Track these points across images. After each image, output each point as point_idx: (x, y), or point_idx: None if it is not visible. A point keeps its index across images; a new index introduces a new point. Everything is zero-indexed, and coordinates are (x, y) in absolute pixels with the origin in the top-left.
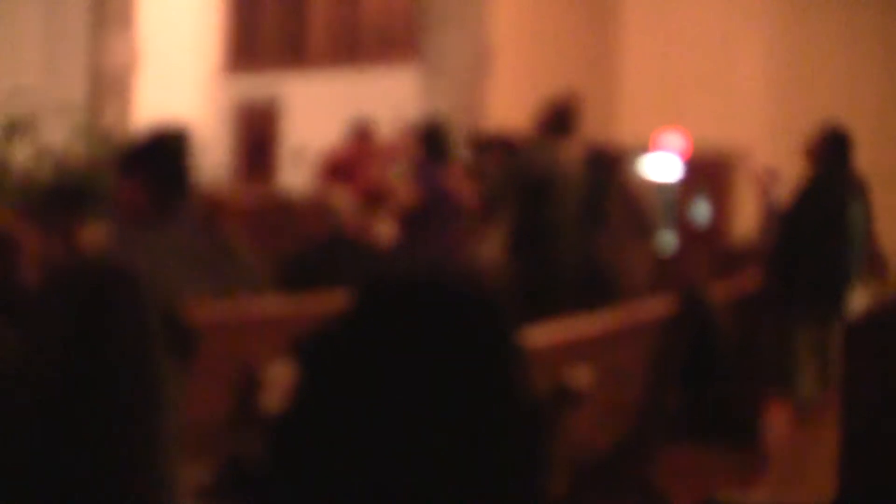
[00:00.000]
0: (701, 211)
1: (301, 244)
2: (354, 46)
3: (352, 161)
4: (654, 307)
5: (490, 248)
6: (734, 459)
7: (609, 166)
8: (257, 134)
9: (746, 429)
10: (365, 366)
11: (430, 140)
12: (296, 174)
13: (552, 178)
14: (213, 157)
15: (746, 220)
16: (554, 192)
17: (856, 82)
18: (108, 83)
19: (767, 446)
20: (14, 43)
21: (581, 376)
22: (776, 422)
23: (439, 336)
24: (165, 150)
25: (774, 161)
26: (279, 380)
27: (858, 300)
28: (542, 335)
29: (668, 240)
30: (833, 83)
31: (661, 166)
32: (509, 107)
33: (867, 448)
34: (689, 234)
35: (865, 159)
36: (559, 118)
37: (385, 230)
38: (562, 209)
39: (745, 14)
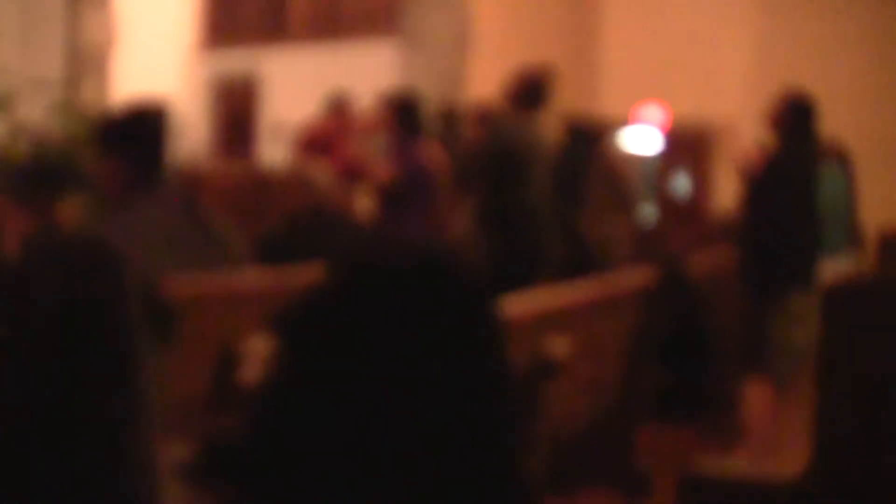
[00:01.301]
0: (681, 184)
1: (281, 219)
2: (334, 21)
3: (329, 135)
4: (634, 278)
5: (462, 223)
6: (713, 436)
7: (589, 139)
8: (236, 109)
9: (725, 405)
10: (343, 339)
11: (405, 114)
12: (275, 149)
13: (524, 152)
14: (192, 133)
15: (727, 193)
16: (526, 166)
17: (834, 58)
18: (86, 60)
19: (746, 423)
20: None
21: (559, 347)
22: (754, 398)
23: (417, 309)
24: (144, 128)
25: (754, 135)
26: (258, 353)
27: (836, 271)
28: (519, 305)
29: (648, 212)
30: (812, 57)
31: (642, 139)
32: (490, 82)
33: (841, 419)
34: (670, 208)
35: (844, 135)
36: (531, 90)
37: (364, 204)
38: (535, 183)
39: None
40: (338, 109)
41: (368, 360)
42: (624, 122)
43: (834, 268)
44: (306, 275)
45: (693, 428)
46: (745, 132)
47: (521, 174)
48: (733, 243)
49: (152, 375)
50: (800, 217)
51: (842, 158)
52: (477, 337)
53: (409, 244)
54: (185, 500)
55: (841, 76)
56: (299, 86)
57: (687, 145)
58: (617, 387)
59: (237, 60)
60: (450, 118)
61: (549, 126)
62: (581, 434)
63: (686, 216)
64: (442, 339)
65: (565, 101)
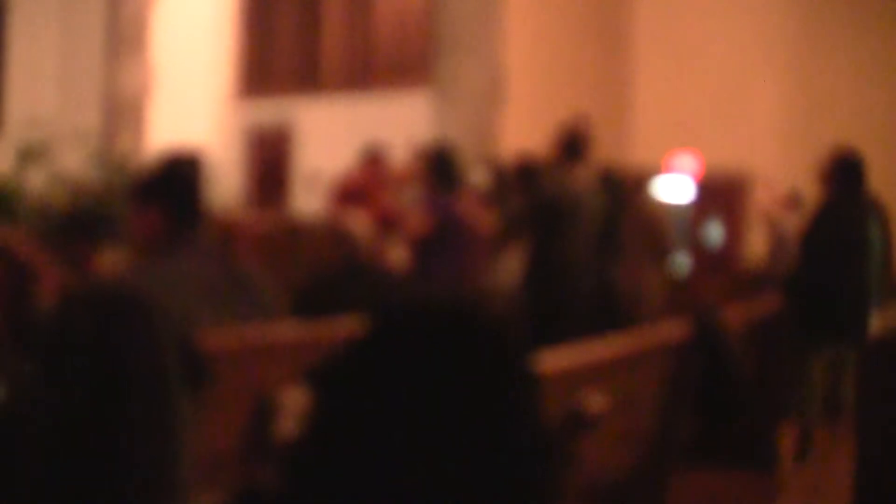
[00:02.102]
0: (713, 234)
1: (315, 271)
2: (367, 71)
3: (364, 186)
4: (668, 331)
5: (507, 276)
6: (749, 486)
7: (624, 189)
8: (270, 158)
9: (761, 455)
10: (378, 391)
11: (440, 166)
12: (308, 199)
13: (569, 205)
14: (226, 181)
15: (759, 243)
16: (571, 219)
17: (869, 105)
18: (123, 110)
19: (782, 473)
20: (30, 71)
21: (594, 401)
22: (790, 448)
23: (452, 363)
24: (179, 179)
25: (788, 183)
26: (294, 406)
27: (875, 324)
28: (554, 360)
29: (681, 262)
30: (846, 106)
31: (674, 188)
32: (522, 132)
33: (882, 470)
34: (702, 257)
35: (879, 182)
36: (572, 143)
37: (398, 256)
38: (579, 235)
39: (759, 38)
40: (372, 160)
41: (403, 414)
42: (657, 171)
43: (874, 320)
44: (341, 327)
45: (729, 478)
46: (778, 178)
47: (564, 227)
48: (774, 293)
49: (186, 425)
50: (851, 270)
51: (876, 207)
52: (511, 391)
53: (444, 298)
54: None
55: (876, 123)
56: (332, 135)
57: (719, 194)
58: (651, 438)
59: (271, 110)
60: (499, 172)
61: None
62: (614, 485)
63: (718, 265)
64: (477, 392)
65: (598, 151)
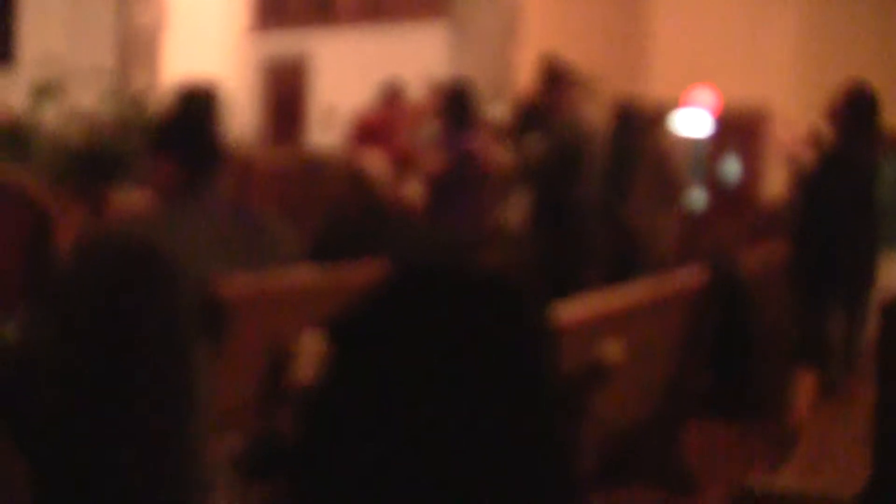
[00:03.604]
0: (731, 169)
1: (332, 213)
2: (383, 3)
3: (382, 125)
4: (684, 279)
5: (516, 213)
6: (761, 436)
7: (640, 124)
8: (286, 92)
9: (773, 403)
10: (395, 345)
11: (457, 103)
12: (324, 133)
13: (580, 146)
14: (242, 116)
15: (777, 178)
16: (582, 160)
17: (889, 41)
18: (136, 45)
19: (794, 422)
20: (42, 9)
21: (612, 351)
22: (803, 397)
23: (469, 318)
24: (195, 125)
25: (806, 118)
26: (309, 352)
27: (893, 269)
28: (571, 310)
29: (698, 197)
30: (865, 41)
31: (692, 122)
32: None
33: None
34: (720, 193)
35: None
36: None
37: (413, 193)
38: (590, 175)
39: None
40: (390, 98)
41: (419, 364)
42: (674, 105)
43: (891, 265)
44: (359, 274)
45: (741, 427)
46: (796, 115)
47: (575, 168)
48: (785, 238)
49: (203, 374)
50: (858, 214)
51: (893, 146)
52: (528, 346)
53: (461, 251)
54: (237, 491)
55: (888, 60)
56: (348, 68)
57: (737, 129)
58: (665, 386)
59: (286, 43)
60: (518, 108)
61: (600, 112)
62: (629, 433)
63: (735, 202)
64: (493, 347)
65: (615, 85)
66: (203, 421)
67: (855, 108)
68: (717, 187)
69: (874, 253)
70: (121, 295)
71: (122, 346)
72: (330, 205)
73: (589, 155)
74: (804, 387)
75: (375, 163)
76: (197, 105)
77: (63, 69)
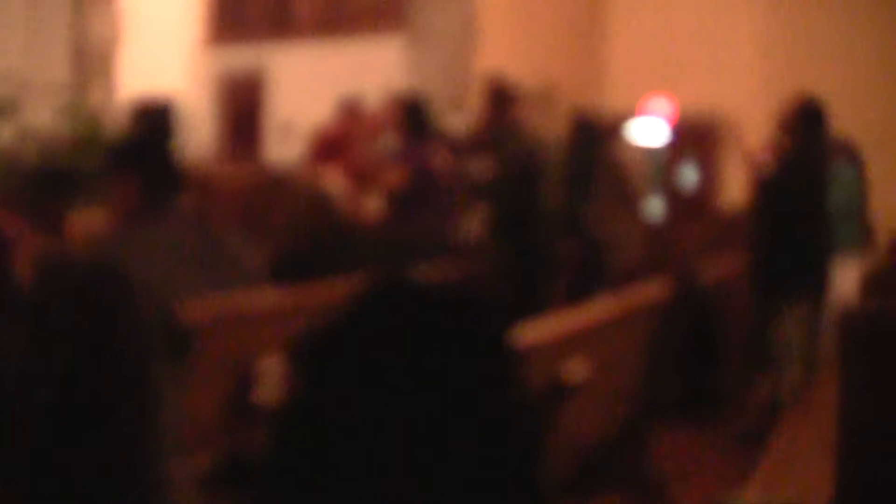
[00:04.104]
0: (689, 177)
1: (293, 234)
2: (341, 16)
3: (340, 139)
4: (648, 292)
5: (474, 230)
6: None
7: (596, 135)
8: (243, 106)
9: (735, 409)
10: (361, 363)
11: (413, 115)
12: (283, 147)
13: (538, 159)
14: (199, 130)
15: (734, 186)
16: (540, 173)
17: (852, 46)
18: (92, 60)
19: (745, 426)
20: None
21: (576, 370)
22: (763, 402)
23: (434, 334)
24: (155, 145)
25: (763, 128)
26: (275, 372)
27: (850, 272)
28: (535, 330)
29: (655, 206)
30: (820, 49)
31: (649, 131)
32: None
33: (866, 444)
34: (677, 201)
35: (857, 126)
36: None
37: (373, 208)
38: (548, 186)
39: None
40: (348, 112)
41: (385, 382)
42: (632, 114)
43: (846, 268)
44: (321, 293)
45: (712, 433)
46: (753, 124)
47: (525, 185)
48: (743, 246)
49: (167, 396)
50: (812, 222)
51: (853, 155)
52: (494, 367)
53: (424, 261)
54: None
55: (848, 68)
56: (306, 82)
57: (694, 138)
58: (633, 397)
59: (243, 56)
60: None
61: (555, 123)
62: (598, 445)
63: (694, 210)
64: (459, 368)
65: (573, 95)
66: (167, 442)
67: (805, 118)
68: (675, 195)
69: (827, 261)
70: (83, 317)
71: (85, 368)
72: (290, 223)
73: (537, 168)
74: (758, 392)
75: (333, 181)
76: (155, 124)
77: (16, 85)
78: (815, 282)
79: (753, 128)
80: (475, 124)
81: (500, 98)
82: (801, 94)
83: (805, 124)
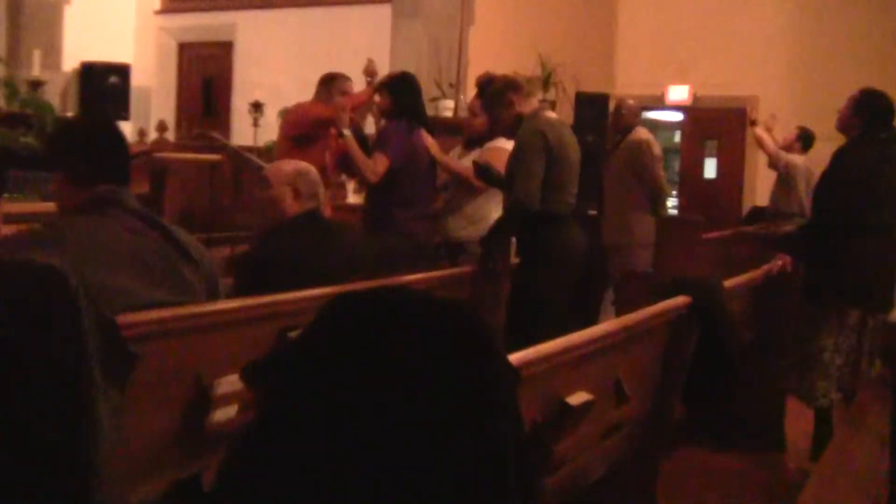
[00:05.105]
0: (708, 168)
1: (262, 228)
2: None
3: (320, 121)
4: (661, 310)
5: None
6: (754, 468)
7: (606, 124)
8: (208, 82)
9: (766, 433)
10: (334, 384)
11: (402, 97)
12: (251, 129)
13: (555, 152)
14: (157, 109)
15: (755, 177)
16: (556, 166)
17: (883, 30)
18: (33, 25)
19: (789, 453)
20: None
21: (578, 395)
22: (798, 425)
23: (417, 359)
24: (98, 139)
25: (793, 115)
26: (235, 391)
27: None
28: (536, 352)
29: (673, 200)
30: (852, 28)
31: (667, 121)
32: (491, 54)
33: None
34: (697, 192)
35: None
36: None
37: (356, 196)
38: (563, 181)
39: None
40: (327, 89)
41: (363, 403)
42: (647, 101)
43: None
44: (288, 303)
45: (731, 459)
46: (782, 114)
47: (549, 175)
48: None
49: (110, 414)
50: (877, 227)
51: None
52: (486, 388)
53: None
54: None
55: (871, 52)
56: (279, 55)
57: (714, 126)
58: (642, 421)
59: (207, 26)
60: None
61: (561, 111)
62: (603, 474)
63: (713, 201)
64: (446, 389)
65: (582, 80)
66: (116, 465)
67: (866, 115)
68: (693, 186)
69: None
70: (15, 322)
71: (19, 385)
72: (262, 212)
73: (563, 158)
74: (804, 418)
75: (308, 174)
76: (98, 112)
77: None
78: (872, 291)
79: (772, 111)
80: (473, 121)
81: (495, 96)
82: (861, 90)
83: (865, 119)
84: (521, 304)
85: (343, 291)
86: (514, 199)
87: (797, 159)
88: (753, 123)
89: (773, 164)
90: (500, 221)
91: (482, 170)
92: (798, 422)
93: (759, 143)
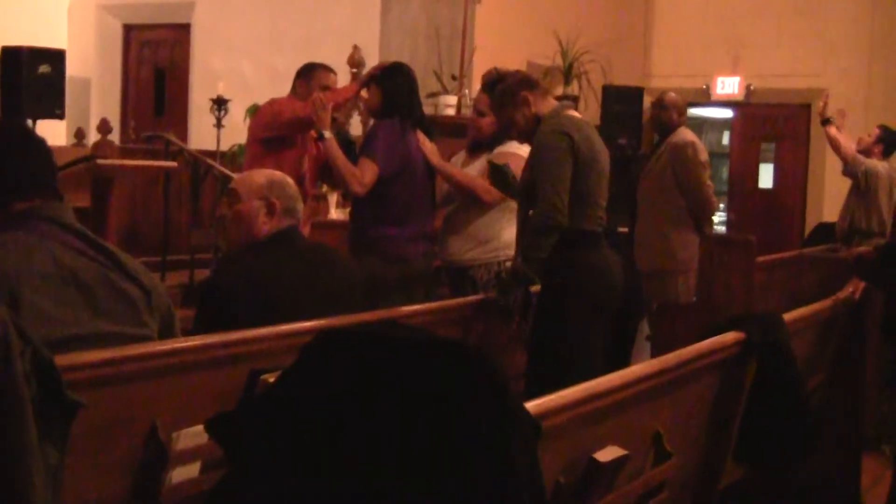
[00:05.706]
0: (763, 176)
1: (229, 248)
2: None
3: (298, 120)
4: (708, 347)
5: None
6: None
7: (646, 124)
8: (160, 70)
9: (839, 499)
10: (308, 442)
11: (396, 92)
12: (211, 124)
13: (586, 159)
14: (97, 101)
15: (821, 184)
16: (588, 175)
17: None
18: None
19: None
20: None
21: (611, 449)
22: (876, 490)
23: (410, 407)
24: (14, 153)
25: (866, 113)
26: (194, 451)
27: None
28: (559, 400)
29: (721, 212)
30: None
31: (713, 116)
32: (498, 37)
33: None
34: (749, 203)
35: None
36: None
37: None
38: (596, 194)
39: None
40: (309, 84)
41: (344, 468)
42: (692, 96)
43: None
44: (256, 341)
45: None
46: (845, 104)
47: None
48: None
49: (44, 477)
50: None
51: None
52: (492, 442)
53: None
54: None
55: None
56: (249, 41)
57: (770, 123)
58: (687, 482)
59: (160, 3)
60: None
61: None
62: None
63: (769, 214)
64: (443, 444)
65: (612, 72)
66: None
67: None
68: (745, 196)
69: None
70: None
71: None
72: (228, 231)
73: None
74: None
75: (284, 182)
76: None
77: None
78: None
79: (849, 109)
80: (479, 121)
81: (504, 94)
82: None
83: None
84: (545, 344)
85: (327, 327)
86: (539, 213)
87: (878, 166)
88: (827, 122)
89: (850, 171)
90: (527, 246)
91: (498, 172)
92: (877, 487)
93: (834, 147)
